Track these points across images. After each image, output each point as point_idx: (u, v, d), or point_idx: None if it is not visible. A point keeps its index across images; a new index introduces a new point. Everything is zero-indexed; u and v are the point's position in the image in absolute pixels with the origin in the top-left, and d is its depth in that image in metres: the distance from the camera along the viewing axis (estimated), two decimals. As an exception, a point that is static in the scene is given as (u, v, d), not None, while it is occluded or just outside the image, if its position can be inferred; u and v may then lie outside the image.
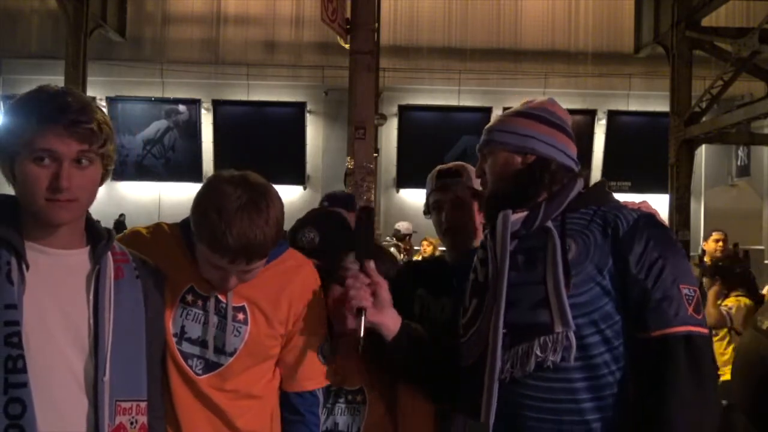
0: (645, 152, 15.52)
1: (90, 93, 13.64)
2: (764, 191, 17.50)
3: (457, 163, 2.18)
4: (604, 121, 16.93)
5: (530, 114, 1.66)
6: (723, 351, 4.66)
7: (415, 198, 15.56)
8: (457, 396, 1.63)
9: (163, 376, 1.57)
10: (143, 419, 1.41)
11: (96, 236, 1.41)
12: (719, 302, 4.73)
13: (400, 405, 1.75)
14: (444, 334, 1.70)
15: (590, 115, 16.88)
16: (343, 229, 1.93)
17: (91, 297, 1.36)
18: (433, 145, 15.47)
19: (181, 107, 16.98)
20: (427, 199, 2.19)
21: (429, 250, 8.45)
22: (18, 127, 1.30)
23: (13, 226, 1.32)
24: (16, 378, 1.24)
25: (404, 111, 16.80)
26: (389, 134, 16.54)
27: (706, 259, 6.06)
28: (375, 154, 9.32)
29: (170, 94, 16.67)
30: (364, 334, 1.55)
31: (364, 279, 1.60)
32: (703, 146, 14.20)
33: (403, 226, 9.09)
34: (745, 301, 4.72)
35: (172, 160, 17.02)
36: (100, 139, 1.32)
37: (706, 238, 6.28)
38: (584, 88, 16.53)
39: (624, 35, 15.70)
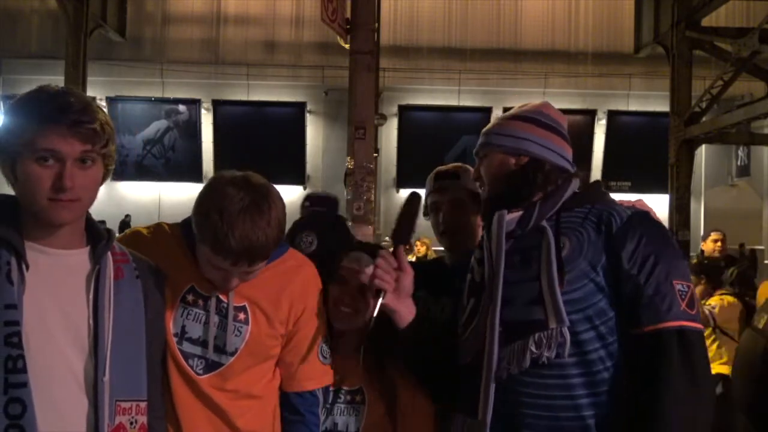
0: (645, 152, 15.55)
1: (90, 93, 13.62)
2: (764, 191, 17.51)
3: (455, 164, 2.19)
4: (604, 121, 16.94)
5: (525, 117, 1.68)
6: (708, 349, 4.64)
7: (415, 198, 15.54)
8: (457, 395, 1.64)
9: (164, 376, 1.57)
10: (143, 419, 1.41)
11: (96, 236, 1.41)
12: (703, 302, 4.72)
13: (400, 405, 1.75)
14: (444, 334, 1.71)
15: (590, 115, 16.90)
16: (340, 232, 1.93)
17: (91, 297, 1.36)
18: (433, 145, 15.49)
19: (181, 107, 17.00)
20: (426, 200, 2.19)
21: (422, 250, 8.46)
22: (19, 128, 1.29)
23: (13, 226, 1.32)
24: (16, 378, 1.24)
25: (404, 111, 16.81)
26: (389, 134, 16.55)
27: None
28: (375, 154, 9.32)
29: (170, 94, 16.68)
30: (376, 315, 1.58)
31: (393, 262, 1.63)
32: (703, 146, 14.21)
33: (402, 225, 9.07)
34: (729, 299, 4.69)
35: (172, 160, 17.04)
36: (103, 139, 1.32)
37: (704, 239, 6.26)
38: (584, 88, 16.55)
39: (624, 35, 15.72)
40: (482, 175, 1.71)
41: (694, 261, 5.90)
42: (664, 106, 13.46)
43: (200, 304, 1.60)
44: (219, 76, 16.46)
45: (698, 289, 4.79)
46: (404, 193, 16.53)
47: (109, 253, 1.41)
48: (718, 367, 4.38)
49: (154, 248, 1.60)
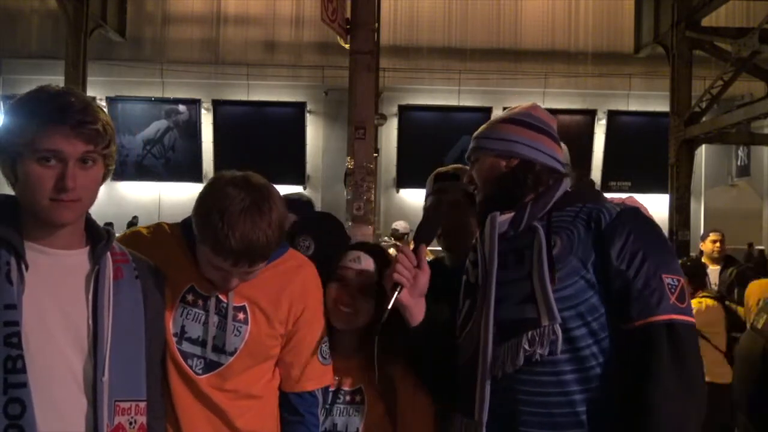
0: (645, 152, 15.53)
1: (90, 93, 13.62)
2: (764, 191, 17.50)
3: (455, 165, 2.20)
4: (604, 121, 16.93)
5: (514, 120, 1.69)
6: None
7: (414, 198, 15.56)
8: (456, 396, 1.65)
9: (163, 376, 1.57)
10: (142, 419, 1.41)
11: (95, 236, 1.41)
12: None
13: (400, 405, 1.76)
14: (444, 335, 1.72)
15: (590, 115, 16.89)
16: (337, 236, 1.94)
17: (91, 297, 1.36)
18: (433, 145, 15.48)
19: (181, 107, 16.98)
20: (426, 201, 2.19)
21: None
22: (20, 128, 1.29)
23: (13, 226, 1.32)
24: (16, 378, 1.24)
25: (404, 111, 16.79)
26: (389, 134, 16.54)
27: (704, 259, 6.03)
28: (375, 154, 9.32)
29: (170, 94, 16.66)
30: (391, 308, 1.59)
31: (413, 259, 1.64)
32: (703, 146, 14.21)
33: (401, 225, 9.07)
34: (708, 302, 4.68)
35: (172, 160, 17.02)
36: (105, 139, 1.33)
37: (703, 239, 6.24)
38: (584, 88, 16.53)
39: (624, 35, 15.71)
40: (475, 179, 1.73)
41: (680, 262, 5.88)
42: (664, 106, 13.46)
43: (200, 304, 1.60)
44: (219, 76, 16.44)
45: None
46: (404, 193, 16.55)
47: (108, 254, 1.41)
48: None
49: (154, 248, 1.60)
